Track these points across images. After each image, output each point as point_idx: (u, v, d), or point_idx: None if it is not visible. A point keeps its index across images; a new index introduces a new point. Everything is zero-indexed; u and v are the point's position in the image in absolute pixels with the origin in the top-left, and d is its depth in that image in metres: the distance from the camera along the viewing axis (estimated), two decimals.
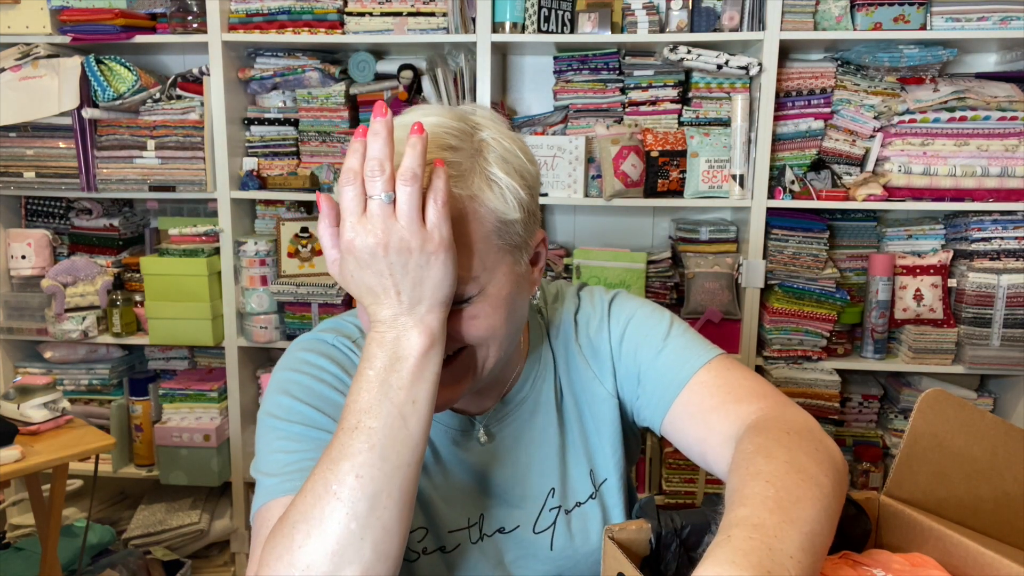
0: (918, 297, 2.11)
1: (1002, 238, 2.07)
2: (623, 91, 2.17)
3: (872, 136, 2.11)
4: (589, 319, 0.92)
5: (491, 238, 0.72)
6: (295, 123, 2.27)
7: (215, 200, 2.24)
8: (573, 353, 0.91)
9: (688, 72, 2.16)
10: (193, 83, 2.23)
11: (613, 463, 0.90)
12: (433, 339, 0.66)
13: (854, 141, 2.12)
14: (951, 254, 2.13)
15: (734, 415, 0.77)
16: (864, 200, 2.05)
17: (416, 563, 0.85)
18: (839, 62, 2.11)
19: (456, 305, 0.71)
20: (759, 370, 2.20)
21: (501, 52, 2.30)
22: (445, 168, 0.67)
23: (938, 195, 2.05)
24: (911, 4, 1.98)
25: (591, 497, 0.90)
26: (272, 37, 2.14)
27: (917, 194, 2.05)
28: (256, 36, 2.15)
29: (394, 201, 0.64)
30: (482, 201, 0.71)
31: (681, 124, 2.17)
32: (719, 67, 2.04)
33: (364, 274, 0.65)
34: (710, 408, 0.79)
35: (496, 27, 2.07)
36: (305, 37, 2.13)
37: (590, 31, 2.09)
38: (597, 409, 0.90)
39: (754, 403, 0.77)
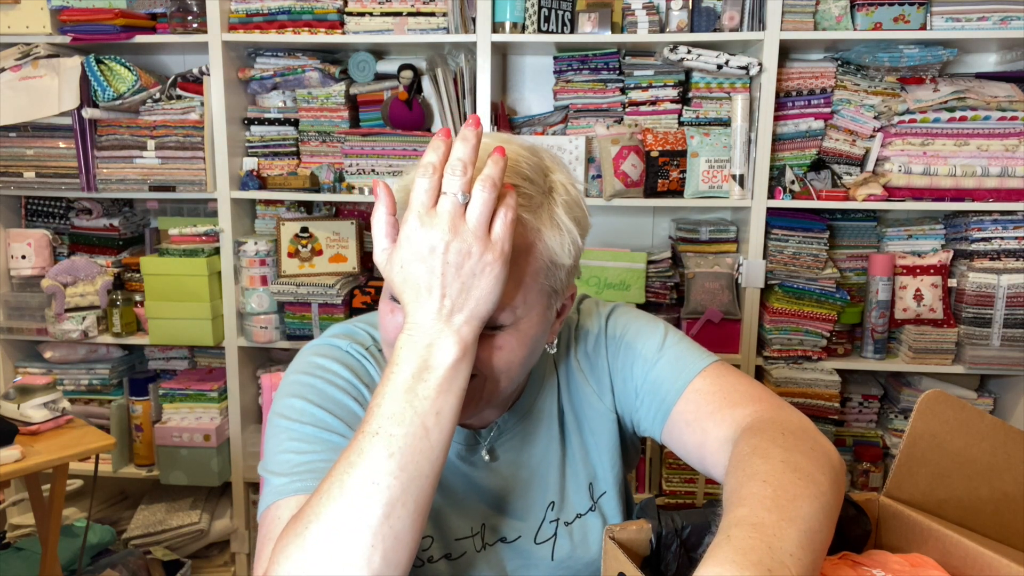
0: (918, 297, 2.11)
1: (1002, 238, 2.07)
2: (623, 91, 2.17)
3: (872, 136, 2.11)
4: (587, 335, 0.93)
5: (539, 276, 0.74)
6: (295, 123, 2.27)
7: (215, 200, 2.24)
8: (572, 369, 0.92)
9: (688, 72, 2.16)
10: (193, 83, 2.23)
11: (612, 476, 0.91)
12: (465, 350, 0.66)
13: (854, 141, 2.12)
14: (951, 254, 2.13)
15: (730, 419, 0.77)
16: (864, 200, 2.05)
17: (422, 570, 0.86)
18: (839, 62, 2.11)
19: (486, 330, 0.71)
20: (759, 370, 2.20)
21: (501, 52, 2.30)
22: (516, 194, 0.68)
23: (938, 195, 2.05)
24: (911, 4, 1.98)
25: (590, 509, 0.90)
26: (272, 37, 2.14)
27: (917, 194, 2.05)
28: (256, 36, 2.15)
29: (466, 204, 0.65)
30: (543, 238, 0.73)
31: (681, 124, 2.17)
32: (719, 67, 2.04)
33: (416, 268, 0.65)
34: (706, 414, 0.80)
35: (496, 27, 2.07)
36: (305, 37, 2.13)
37: (590, 31, 2.09)
38: (596, 424, 0.91)
39: (749, 406, 0.78)
